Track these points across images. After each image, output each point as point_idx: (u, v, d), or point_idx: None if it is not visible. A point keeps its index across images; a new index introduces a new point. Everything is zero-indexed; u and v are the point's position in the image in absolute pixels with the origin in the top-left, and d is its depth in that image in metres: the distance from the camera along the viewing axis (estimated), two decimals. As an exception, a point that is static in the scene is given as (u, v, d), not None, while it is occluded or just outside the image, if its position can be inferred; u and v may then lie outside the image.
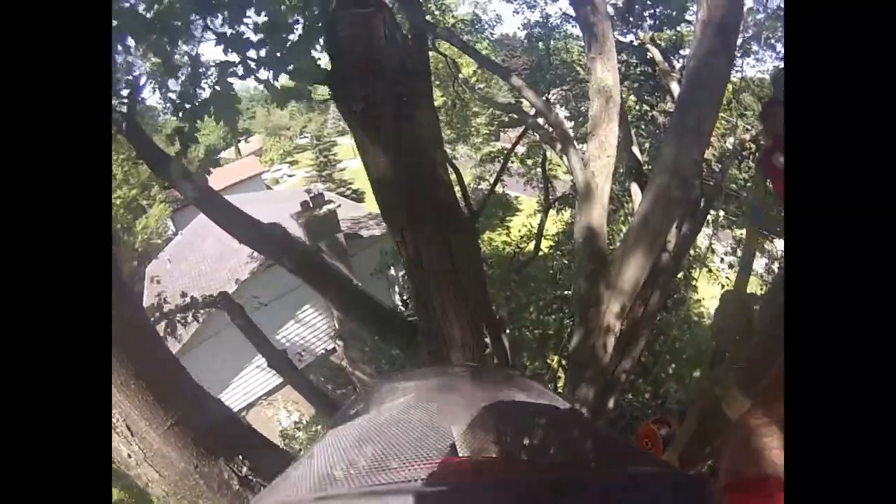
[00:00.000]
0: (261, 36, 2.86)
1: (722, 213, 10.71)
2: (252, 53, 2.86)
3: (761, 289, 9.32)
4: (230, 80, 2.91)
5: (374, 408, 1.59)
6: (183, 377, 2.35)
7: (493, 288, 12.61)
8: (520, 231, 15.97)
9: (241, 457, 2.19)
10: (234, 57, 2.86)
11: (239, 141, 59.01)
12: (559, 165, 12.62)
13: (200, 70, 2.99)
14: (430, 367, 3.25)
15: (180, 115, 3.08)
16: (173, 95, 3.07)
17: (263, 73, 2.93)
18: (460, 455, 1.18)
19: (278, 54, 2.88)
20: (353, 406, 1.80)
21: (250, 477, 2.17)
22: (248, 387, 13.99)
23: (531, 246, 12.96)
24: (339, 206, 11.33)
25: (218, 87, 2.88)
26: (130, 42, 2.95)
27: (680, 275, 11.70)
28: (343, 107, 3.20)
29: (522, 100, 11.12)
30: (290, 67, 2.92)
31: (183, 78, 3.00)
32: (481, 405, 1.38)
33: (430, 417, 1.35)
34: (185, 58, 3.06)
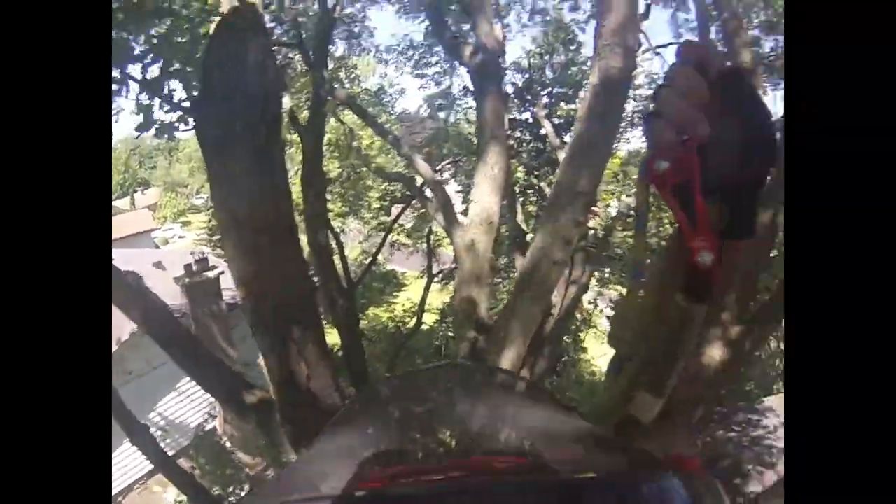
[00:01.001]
0: (146, 48, 2.65)
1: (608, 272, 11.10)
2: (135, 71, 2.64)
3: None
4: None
5: (367, 412, 1.57)
6: None
7: (378, 364, 12.35)
8: (404, 306, 15.89)
9: None
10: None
11: (135, 191, 56.51)
12: (445, 238, 12.77)
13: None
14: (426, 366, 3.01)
15: None
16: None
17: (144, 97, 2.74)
18: (453, 457, 1.15)
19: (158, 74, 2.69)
20: (343, 413, 1.65)
21: None
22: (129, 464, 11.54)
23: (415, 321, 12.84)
24: (223, 272, 10.73)
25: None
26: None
27: (569, 339, 11.84)
28: (200, 135, 2.96)
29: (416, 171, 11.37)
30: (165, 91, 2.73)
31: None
32: (478, 406, 1.39)
33: (424, 420, 1.33)
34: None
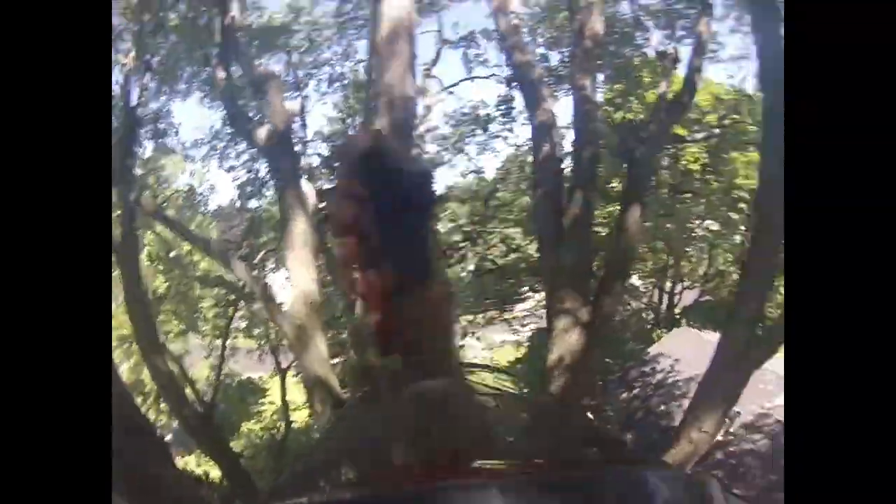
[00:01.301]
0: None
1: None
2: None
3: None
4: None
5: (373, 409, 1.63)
6: None
7: (268, 475, 11.58)
8: (271, 410, 15.11)
9: None
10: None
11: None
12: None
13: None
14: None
15: None
16: None
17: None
18: (452, 457, 1.13)
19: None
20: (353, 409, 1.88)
21: None
22: None
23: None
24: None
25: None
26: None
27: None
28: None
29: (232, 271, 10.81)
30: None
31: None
32: (475, 406, 1.39)
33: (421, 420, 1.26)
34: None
